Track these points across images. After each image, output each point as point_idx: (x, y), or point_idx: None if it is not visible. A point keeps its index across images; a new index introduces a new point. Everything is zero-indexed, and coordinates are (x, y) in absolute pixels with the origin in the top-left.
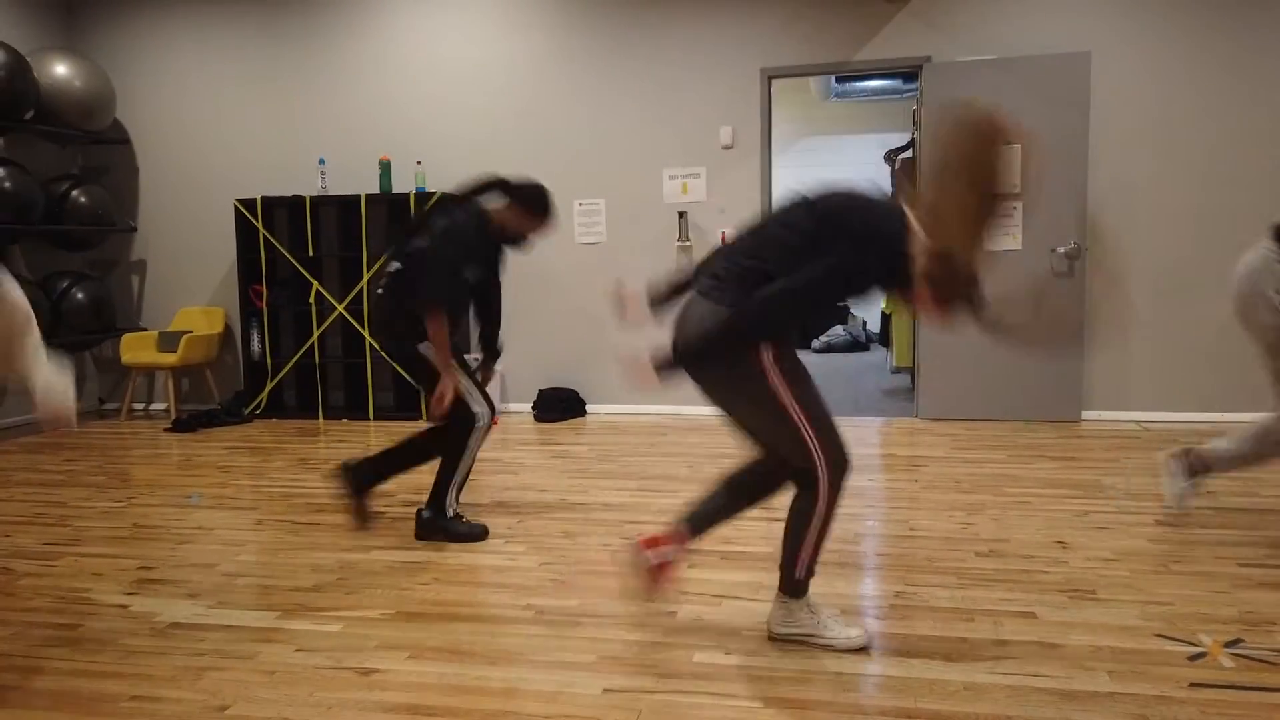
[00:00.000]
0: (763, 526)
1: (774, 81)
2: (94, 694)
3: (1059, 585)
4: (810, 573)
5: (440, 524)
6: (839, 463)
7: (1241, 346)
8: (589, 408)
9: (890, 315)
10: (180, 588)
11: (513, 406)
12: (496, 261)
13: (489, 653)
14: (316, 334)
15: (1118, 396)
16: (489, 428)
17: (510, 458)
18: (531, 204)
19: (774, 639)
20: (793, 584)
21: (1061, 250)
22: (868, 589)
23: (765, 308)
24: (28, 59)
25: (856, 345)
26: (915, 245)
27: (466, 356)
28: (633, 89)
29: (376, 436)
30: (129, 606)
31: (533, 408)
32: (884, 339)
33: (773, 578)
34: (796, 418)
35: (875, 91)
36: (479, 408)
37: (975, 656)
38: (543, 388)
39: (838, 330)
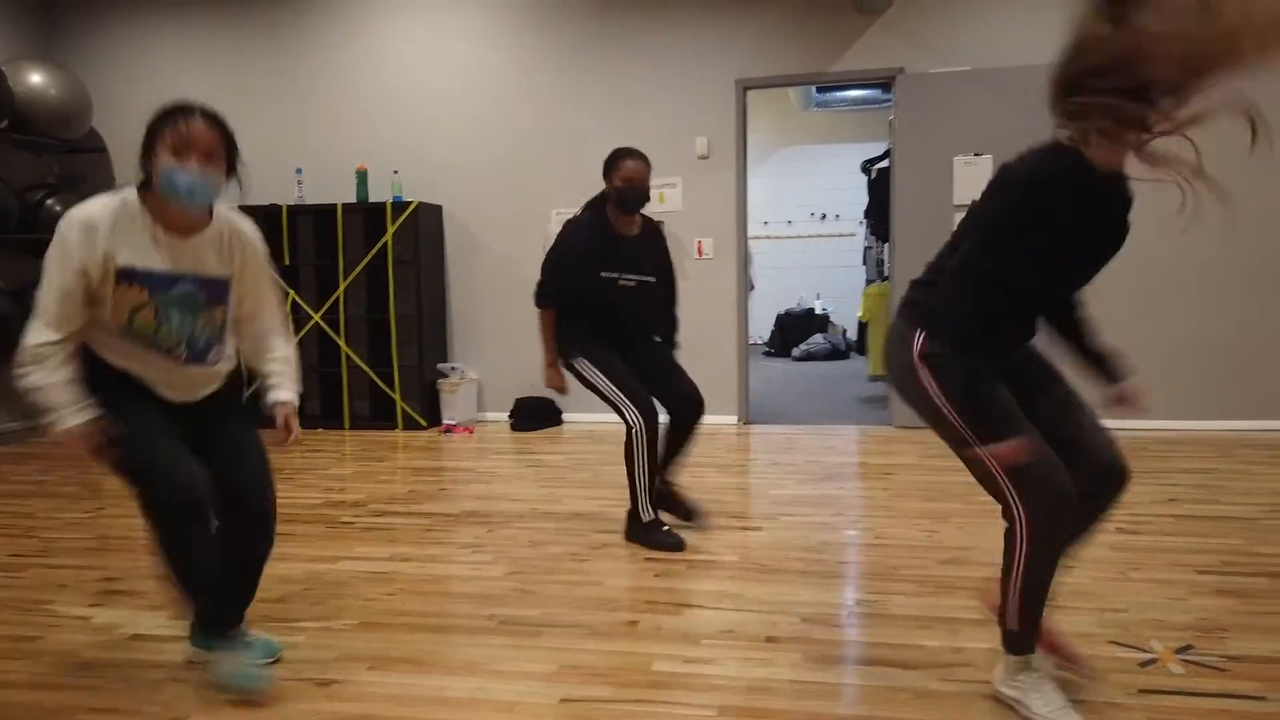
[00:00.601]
0: (733, 535)
1: (752, 91)
2: (54, 706)
3: None
4: (1028, 626)
5: (637, 529)
6: (1036, 502)
7: (1204, 355)
8: (565, 417)
9: (867, 323)
10: (144, 599)
11: (490, 416)
12: (637, 257)
13: (449, 663)
14: (293, 343)
15: None
16: (646, 431)
17: (484, 467)
18: (608, 164)
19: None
20: (1006, 637)
21: None
22: (829, 597)
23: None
24: (3, 68)
25: (836, 353)
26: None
27: (441, 365)
28: (608, 98)
29: (352, 446)
30: (92, 618)
31: (509, 416)
32: (861, 347)
33: (737, 586)
34: (969, 438)
35: (855, 101)
36: (629, 414)
37: (930, 664)
38: (520, 397)
39: (818, 339)
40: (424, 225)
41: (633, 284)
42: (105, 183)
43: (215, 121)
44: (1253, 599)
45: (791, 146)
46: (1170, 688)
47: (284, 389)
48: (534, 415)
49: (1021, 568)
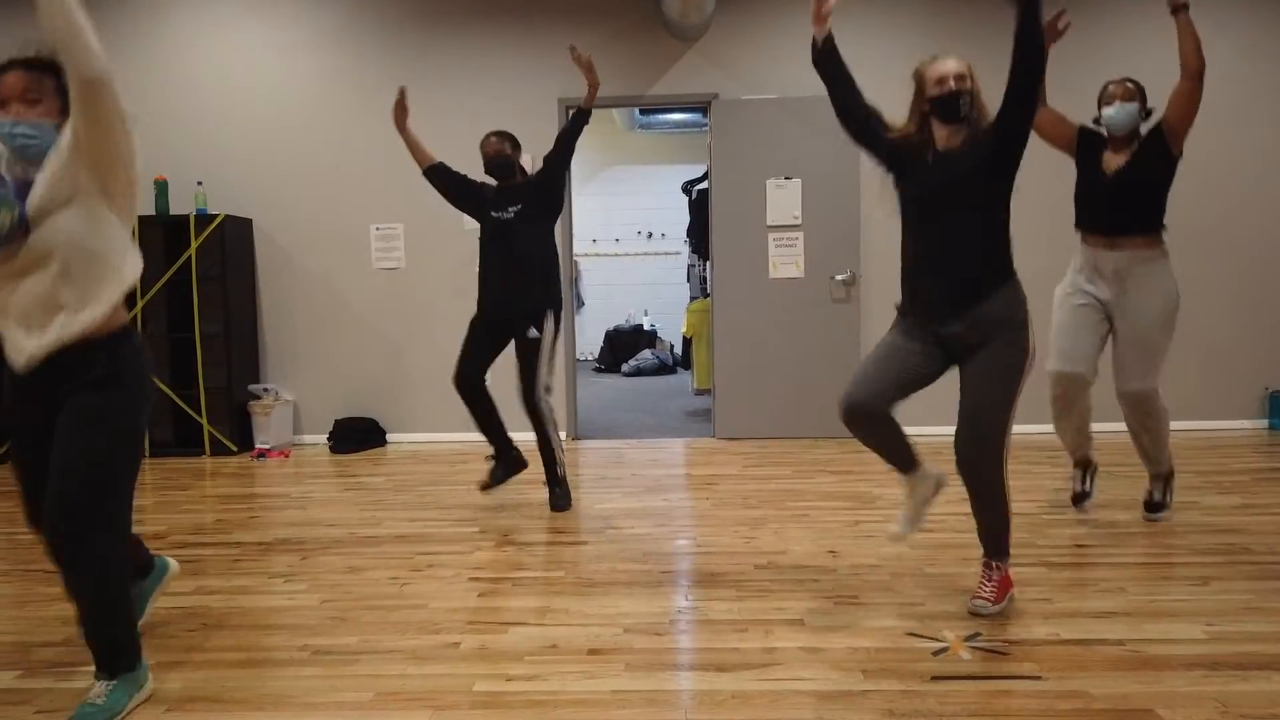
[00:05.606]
0: (560, 551)
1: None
2: None
3: (827, 592)
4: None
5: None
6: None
7: None
8: (389, 437)
9: (691, 339)
10: None
11: (307, 439)
12: (498, 203)
13: (257, 699)
14: None
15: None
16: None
17: (299, 492)
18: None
19: None
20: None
21: (839, 278)
22: (652, 607)
23: None
24: None
25: (664, 368)
26: None
27: (253, 387)
28: (431, 115)
29: (152, 475)
30: None
31: (328, 439)
32: (686, 362)
33: (563, 601)
34: None
35: (677, 124)
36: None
37: (745, 665)
38: (339, 418)
39: (646, 354)
40: (231, 240)
41: (512, 216)
42: None
43: (29, 65)
44: (1031, 586)
45: (618, 166)
46: (959, 673)
47: None
48: (355, 436)
49: None
